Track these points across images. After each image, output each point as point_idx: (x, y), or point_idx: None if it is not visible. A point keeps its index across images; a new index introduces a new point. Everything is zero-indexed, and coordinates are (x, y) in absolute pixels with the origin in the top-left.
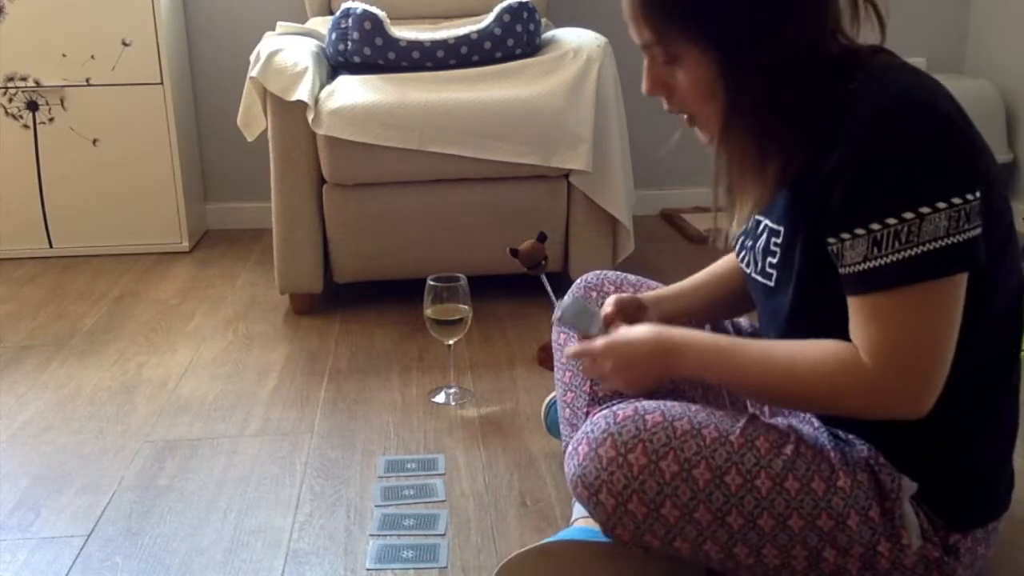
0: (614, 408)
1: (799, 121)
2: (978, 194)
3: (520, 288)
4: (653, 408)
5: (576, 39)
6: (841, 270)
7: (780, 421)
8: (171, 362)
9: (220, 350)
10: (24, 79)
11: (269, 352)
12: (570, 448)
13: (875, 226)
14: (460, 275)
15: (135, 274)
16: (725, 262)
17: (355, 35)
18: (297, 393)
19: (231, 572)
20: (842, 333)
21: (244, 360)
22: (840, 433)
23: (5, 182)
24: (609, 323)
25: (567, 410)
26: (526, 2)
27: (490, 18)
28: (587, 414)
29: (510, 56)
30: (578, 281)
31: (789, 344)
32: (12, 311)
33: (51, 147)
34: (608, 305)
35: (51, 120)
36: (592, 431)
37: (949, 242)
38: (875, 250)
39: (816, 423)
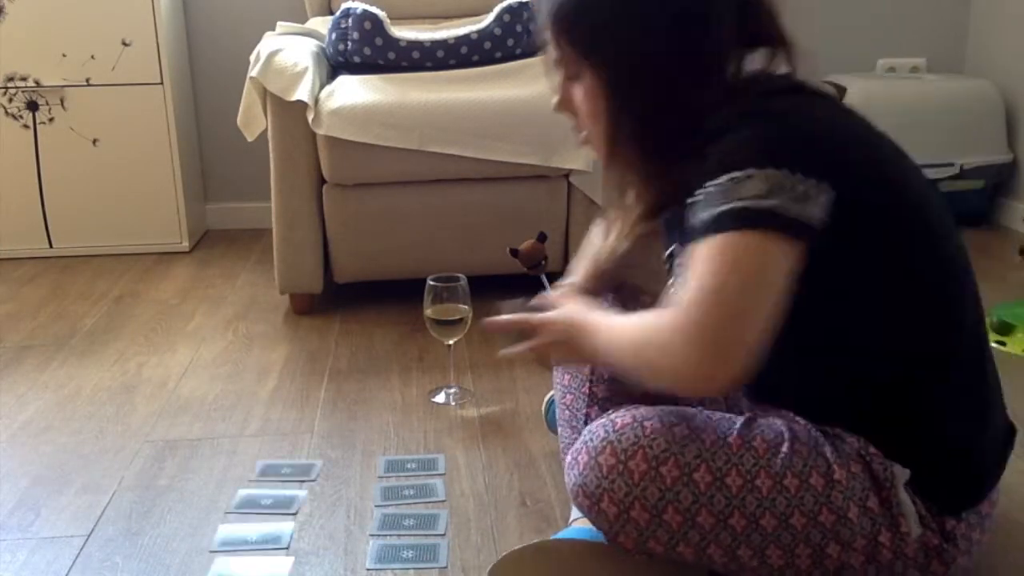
0: (612, 416)
1: (678, 154)
2: (824, 184)
3: (520, 288)
4: (651, 414)
5: None
6: (684, 232)
7: (773, 421)
8: (171, 362)
9: (220, 350)
10: (24, 79)
11: (269, 352)
12: (569, 458)
13: (709, 187)
14: (460, 275)
15: (135, 274)
16: None
17: (355, 35)
18: (297, 393)
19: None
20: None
21: (244, 360)
22: (827, 429)
23: (5, 182)
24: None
25: (566, 411)
26: (526, 2)
27: (490, 18)
28: (586, 415)
29: (510, 56)
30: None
31: (645, 315)
32: (12, 311)
33: (51, 147)
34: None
35: (51, 120)
36: (591, 440)
37: (764, 204)
38: (705, 208)
39: (802, 421)
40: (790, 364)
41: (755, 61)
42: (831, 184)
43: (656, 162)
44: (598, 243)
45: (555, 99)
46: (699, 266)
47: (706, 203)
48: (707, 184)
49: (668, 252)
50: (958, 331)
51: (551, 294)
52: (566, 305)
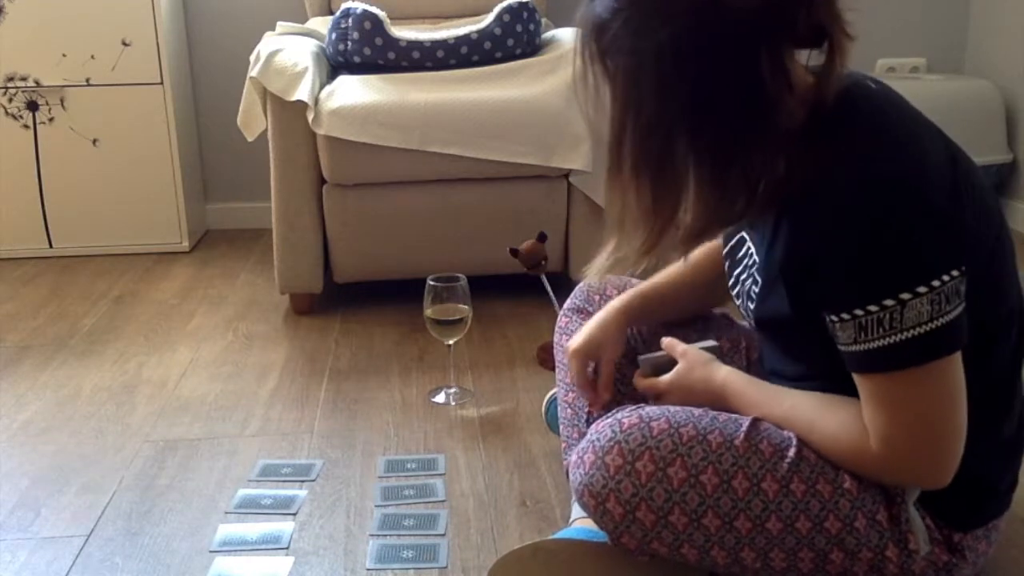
0: (618, 416)
1: (703, 182)
2: (963, 268)
3: (520, 288)
4: (658, 415)
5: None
6: (840, 347)
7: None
8: (171, 362)
9: (220, 350)
10: (24, 79)
11: (269, 352)
12: (575, 457)
13: (858, 312)
14: (460, 275)
15: (135, 274)
16: (700, 261)
17: (355, 35)
18: (297, 393)
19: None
20: (829, 369)
21: (244, 360)
22: None
23: (5, 182)
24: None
25: (568, 410)
26: (526, 2)
27: (490, 18)
28: (588, 414)
29: (510, 56)
30: (581, 284)
31: (810, 410)
32: (12, 311)
33: (51, 147)
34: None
35: (51, 120)
36: (598, 439)
37: (933, 326)
38: (862, 335)
39: None
40: (815, 380)
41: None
42: (967, 262)
43: (662, 188)
44: (661, 274)
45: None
46: (886, 403)
47: (863, 330)
48: (846, 307)
49: (731, 246)
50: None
51: (666, 340)
52: (689, 356)
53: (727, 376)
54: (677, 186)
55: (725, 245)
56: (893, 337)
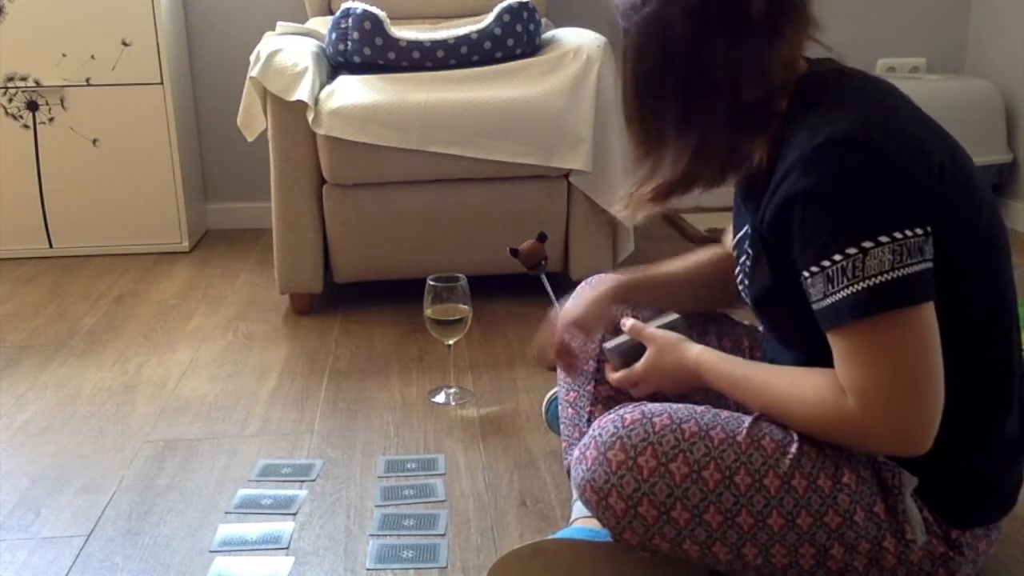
0: (621, 412)
1: (689, 130)
2: (927, 229)
3: (520, 288)
4: (660, 411)
5: (576, 39)
6: (813, 307)
7: None
8: (171, 362)
9: (220, 350)
10: (24, 79)
11: (269, 352)
12: (577, 453)
13: (825, 263)
14: (460, 275)
15: (135, 274)
16: (710, 258)
17: (355, 35)
18: (297, 393)
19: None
20: (825, 350)
21: (244, 360)
22: None
23: (5, 182)
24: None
25: (569, 409)
26: (526, 2)
27: (490, 18)
28: (590, 413)
29: (510, 56)
30: (582, 285)
31: (786, 378)
32: (12, 311)
33: (51, 147)
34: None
35: (51, 120)
36: (600, 435)
37: (894, 275)
38: (829, 286)
39: None
40: (806, 342)
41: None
42: (932, 224)
43: (659, 134)
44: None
45: None
46: (857, 357)
47: (830, 282)
48: (815, 259)
49: (738, 237)
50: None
51: (628, 322)
52: (657, 340)
53: (700, 354)
54: (655, 138)
55: (733, 236)
56: (856, 285)
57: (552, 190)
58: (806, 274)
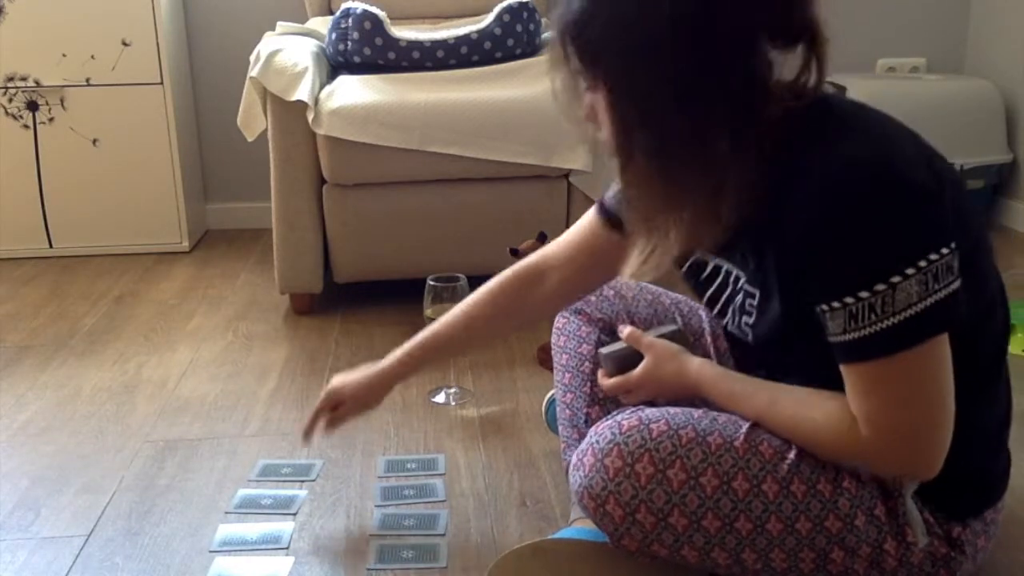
0: (618, 418)
1: (715, 174)
2: (952, 246)
3: None
4: (657, 417)
5: None
6: (828, 338)
7: None
8: (171, 362)
9: (220, 350)
10: (24, 79)
11: (269, 352)
12: (574, 460)
13: (849, 299)
14: (460, 275)
15: (135, 274)
16: (502, 287)
17: (355, 35)
18: (297, 393)
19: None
20: (829, 379)
21: (244, 360)
22: None
23: (5, 182)
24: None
25: (567, 411)
26: (526, 2)
27: (490, 18)
28: (586, 415)
29: (510, 56)
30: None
31: (793, 400)
32: (12, 311)
33: (51, 147)
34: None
35: (51, 120)
36: (597, 442)
37: (924, 306)
38: (852, 323)
39: None
40: (811, 374)
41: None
42: (956, 241)
43: (677, 186)
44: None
45: (582, 110)
46: (874, 390)
47: (854, 318)
48: (837, 295)
49: (717, 283)
50: (985, 352)
51: (626, 330)
52: (656, 349)
53: (700, 369)
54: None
55: (693, 275)
56: (885, 322)
57: (552, 190)
58: (825, 307)
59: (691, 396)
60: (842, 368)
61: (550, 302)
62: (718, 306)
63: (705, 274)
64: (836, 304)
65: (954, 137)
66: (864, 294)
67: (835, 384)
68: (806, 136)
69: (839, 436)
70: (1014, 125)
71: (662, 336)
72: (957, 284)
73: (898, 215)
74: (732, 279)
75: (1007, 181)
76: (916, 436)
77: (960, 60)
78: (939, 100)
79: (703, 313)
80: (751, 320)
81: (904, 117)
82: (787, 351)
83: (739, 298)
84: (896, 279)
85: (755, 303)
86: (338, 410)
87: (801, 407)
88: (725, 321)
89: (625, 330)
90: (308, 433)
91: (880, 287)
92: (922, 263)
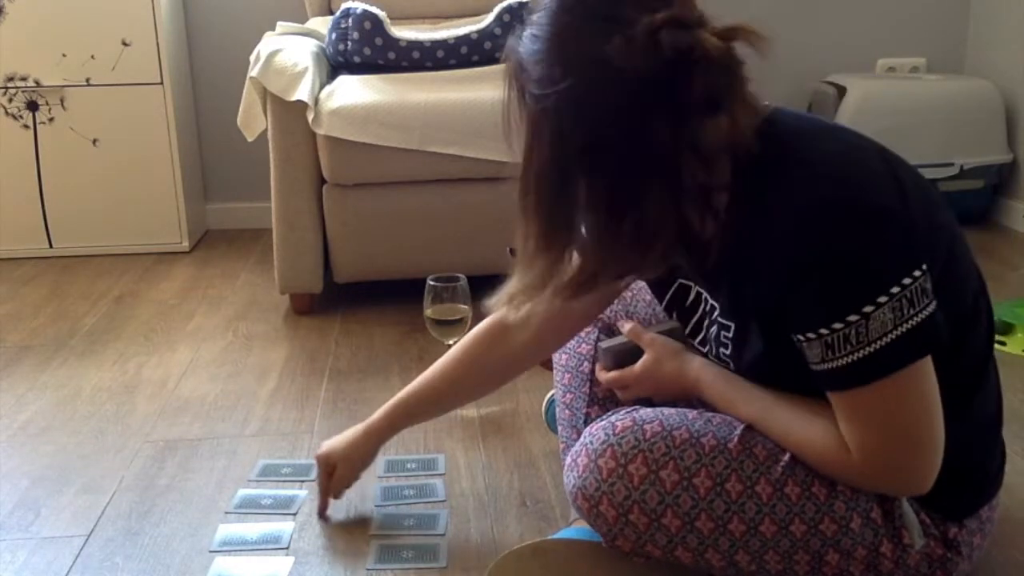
0: (612, 419)
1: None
2: (923, 267)
3: None
4: (651, 417)
5: None
6: (810, 366)
7: None
8: (171, 362)
9: (220, 350)
10: (24, 79)
11: (269, 352)
12: (569, 460)
13: (823, 331)
14: (460, 275)
15: (135, 274)
16: (479, 341)
17: (355, 35)
18: (297, 393)
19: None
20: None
21: (244, 360)
22: None
23: (5, 182)
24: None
25: (566, 411)
26: (526, 2)
27: (490, 18)
28: (586, 415)
29: None
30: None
31: (788, 412)
32: (12, 311)
33: (51, 147)
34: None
35: (51, 120)
36: (591, 443)
37: (899, 333)
38: (829, 352)
39: None
40: (803, 378)
41: None
42: (927, 259)
43: (559, 233)
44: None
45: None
46: (859, 418)
47: (830, 349)
48: (812, 327)
49: (695, 317)
50: (971, 353)
51: (627, 325)
52: (657, 347)
53: (701, 369)
54: (567, 229)
55: (661, 294)
56: (860, 352)
57: None
58: (801, 338)
59: (688, 396)
60: (827, 394)
61: (518, 360)
62: (690, 326)
63: (671, 292)
64: (812, 335)
65: (954, 137)
66: (838, 325)
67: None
68: (764, 173)
69: (831, 457)
70: (1014, 125)
71: (662, 333)
72: (932, 307)
73: (866, 246)
74: (706, 304)
75: (1007, 181)
76: (904, 460)
77: (960, 60)
78: (939, 100)
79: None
80: (728, 352)
81: (904, 117)
82: (776, 378)
83: (714, 329)
84: (868, 308)
85: (731, 336)
86: (333, 477)
87: (796, 421)
88: (702, 345)
89: (627, 325)
90: (323, 512)
91: (853, 318)
92: (895, 289)
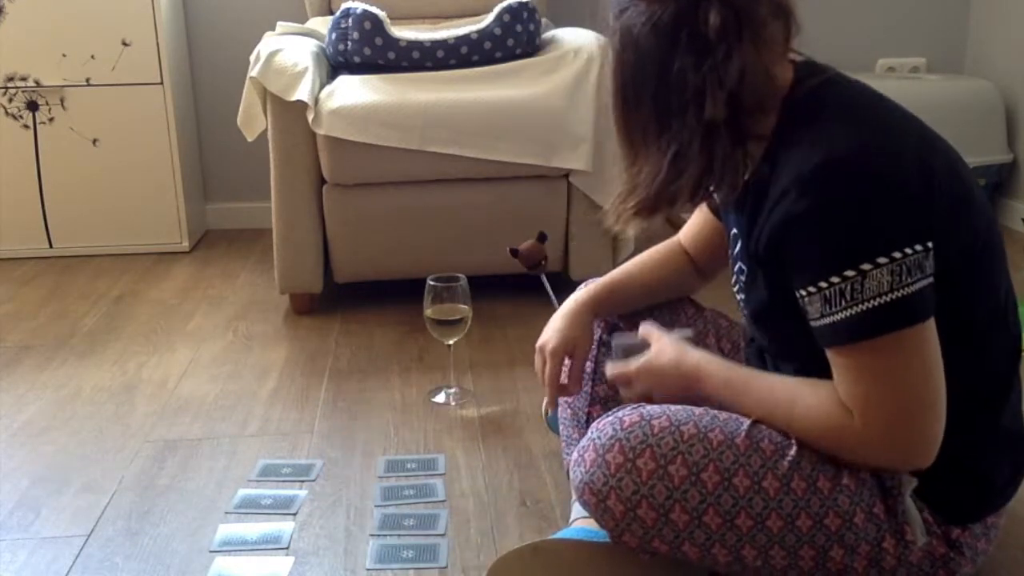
0: (619, 414)
1: (671, 150)
2: (928, 244)
3: (520, 288)
4: (659, 413)
5: (576, 39)
6: (811, 324)
7: None
8: (171, 362)
9: (220, 350)
10: (24, 79)
11: (269, 352)
12: (575, 455)
13: (822, 284)
14: (460, 275)
15: (135, 274)
16: (665, 253)
17: (355, 35)
18: (297, 393)
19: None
20: (825, 366)
21: (244, 360)
22: None
23: (5, 182)
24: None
25: (568, 410)
26: (526, 2)
27: (490, 18)
28: (588, 414)
29: (510, 56)
30: (581, 286)
31: (788, 389)
32: (12, 311)
33: (51, 147)
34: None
35: (51, 120)
36: (599, 437)
37: (892, 297)
38: (827, 307)
39: None
40: (806, 360)
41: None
42: (932, 240)
43: (643, 149)
44: (622, 268)
45: None
46: (858, 377)
47: (828, 303)
48: (812, 280)
49: (734, 251)
50: (996, 358)
51: (645, 326)
52: (663, 342)
53: (700, 359)
54: (635, 145)
55: (731, 246)
56: (855, 308)
57: (552, 190)
58: (803, 293)
59: (689, 390)
60: (827, 353)
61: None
62: (733, 273)
63: (731, 234)
64: (812, 289)
65: (954, 137)
66: (835, 279)
67: (826, 370)
68: (799, 124)
69: (832, 421)
70: (1014, 125)
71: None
72: (926, 282)
73: (872, 207)
74: (737, 249)
75: (1007, 181)
76: (904, 421)
77: (960, 60)
78: (939, 100)
79: (708, 315)
80: (743, 296)
81: None
82: (778, 331)
83: (738, 271)
84: (866, 266)
85: (744, 279)
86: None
87: (797, 395)
88: (735, 288)
89: (644, 325)
90: (553, 407)
91: (850, 273)
92: (896, 254)
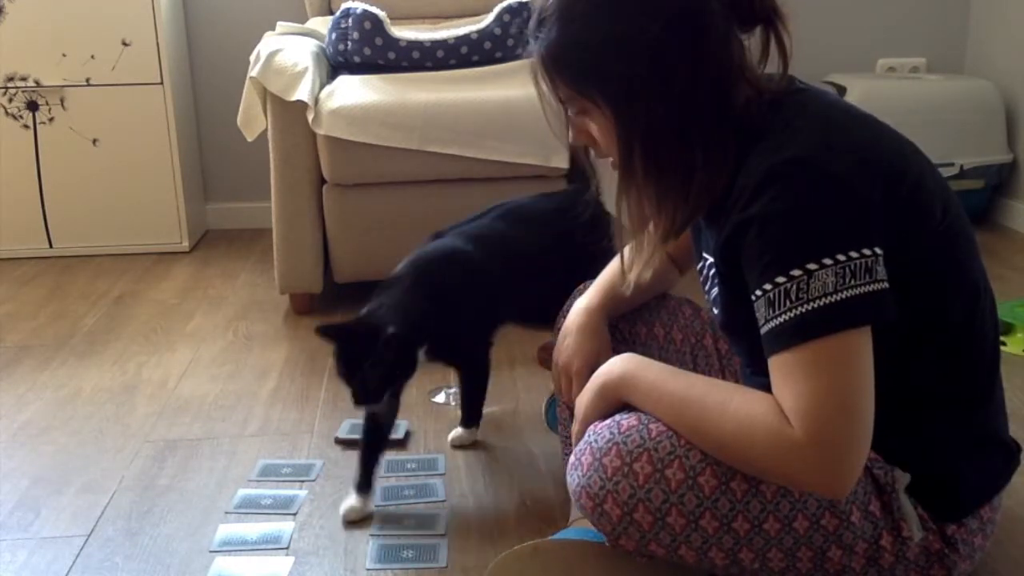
0: (616, 418)
1: (696, 169)
2: (876, 250)
3: None
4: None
5: None
6: (760, 331)
7: None
8: (171, 362)
9: (220, 350)
10: (24, 79)
11: (269, 352)
12: (572, 459)
13: (767, 286)
14: None
15: (135, 274)
16: None
17: (355, 35)
18: (297, 393)
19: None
20: None
21: (244, 360)
22: None
23: (5, 182)
24: None
25: (567, 411)
26: (526, 2)
27: (490, 18)
28: None
29: (510, 56)
30: (580, 287)
31: (727, 387)
32: (12, 311)
33: (51, 147)
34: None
35: (51, 120)
36: (595, 441)
37: (839, 297)
38: (771, 310)
39: None
40: (757, 347)
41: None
42: (885, 245)
43: (669, 184)
44: (615, 269)
45: (570, 134)
46: (798, 379)
47: (772, 306)
48: (759, 282)
49: (700, 265)
50: (975, 357)
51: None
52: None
53: (625, 364)
54: (682, 172)
55: (696, 263)
56: (799, 308)
57: (552, 190)
58: (754, 296)
59: (615, 403)
60: (769, 363)
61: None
62: (705, 292)
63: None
64: (759, 292)
65: (954, 137)
66: (781, 279)
67: None
68: (761, 136)
69: (772, 429)
70: (1014, 125)
71: None
72: (879, 287)
73: (819, 207)
74: (707, 265)
75: (1007, 181)
76: (839, 431)
77: (960, 60)
78: (939, 100)
79: (705, 315)
80: (715, 309)
81: (904, 117)
82: (741, 343)
83: (708, 285)
84: (812, 267)
85: (715, 291)
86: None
87: (736, 395)
88: (711, 304)
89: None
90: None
91: (796, 272)
92: (840, 256)
